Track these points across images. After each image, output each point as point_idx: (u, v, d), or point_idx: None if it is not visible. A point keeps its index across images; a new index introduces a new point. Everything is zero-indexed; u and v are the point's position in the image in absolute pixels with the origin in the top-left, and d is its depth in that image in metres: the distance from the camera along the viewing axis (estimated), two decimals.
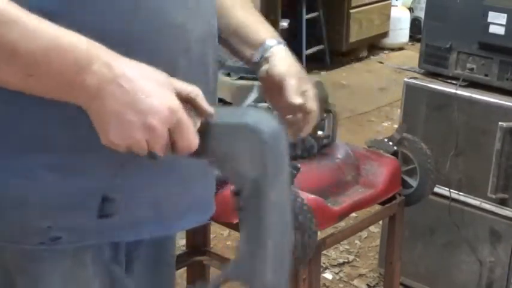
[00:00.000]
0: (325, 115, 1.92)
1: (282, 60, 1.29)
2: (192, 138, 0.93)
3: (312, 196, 1.69)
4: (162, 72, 0.94)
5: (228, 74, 1.95)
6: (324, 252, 2.69)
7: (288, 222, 0.97)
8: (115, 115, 0.90)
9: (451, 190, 2.47)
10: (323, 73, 5.56)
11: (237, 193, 0.94)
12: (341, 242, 3.00)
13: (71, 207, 1.03)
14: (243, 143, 0.93)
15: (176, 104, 0.92)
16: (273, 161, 0.93)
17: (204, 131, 0.94)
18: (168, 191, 1.13)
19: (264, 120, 0.94)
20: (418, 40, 5.41)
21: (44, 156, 1.01)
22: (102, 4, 0.99)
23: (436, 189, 2.24)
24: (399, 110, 2.67)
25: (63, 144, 1.01)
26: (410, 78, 2.58)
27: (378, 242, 3.03)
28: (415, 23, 6.21)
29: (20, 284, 1.07)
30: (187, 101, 0.95)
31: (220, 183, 1.31)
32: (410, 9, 6.31)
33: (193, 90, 0.96)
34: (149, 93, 0.90)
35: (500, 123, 2.30)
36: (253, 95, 1.27)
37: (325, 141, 1.91)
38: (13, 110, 1.00)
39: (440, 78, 2.53)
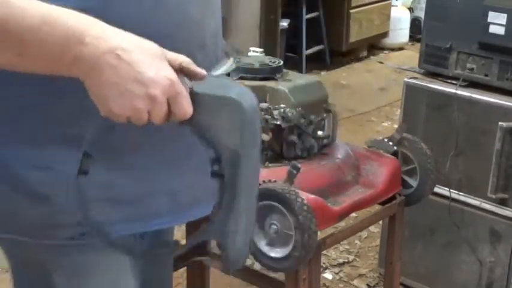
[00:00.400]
0: (325, 115, 1.92)
1: None
2: (187, 107, 0.95)
3: (312, 196, 1.69)
4: (155, 43, 0.95)
5: (228, 74, 1.95)
6: (324, 252, 2.69)
7: (257, 190, 1.05)
8: (116, 85, 0.90)
9: (451, 190, 2.47)
10: (323, 73, 5.56)
11: (215, 160, 1.00)
12: (341, 242, 3.00)
13: (95, 201, 1.05)
14: (226, 114, 0.98)
15: (173, 74, 0.94)
16: (251, 134, 1.00)
17: (191, 100, 0.98)
18: (183, 181, 1.15)
19: (246, 95, 1.00)
20: (418, 40, 5.41)
21: (65, 149, 1.02)
22: (123, 0, 1.00)
23: (436, 189, 2.24)
24: (399, 110, 2.67)
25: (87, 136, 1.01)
26: (410, 78, 2.58)
27: (378, 242, 3.03)
28: (415, 23, 6.21)
29: (57, 280, 1.09)
30: (179, 70, 0.96)
31: None
32: (410, 9, 6.31)
33: (185, 59, 0.97)
34: (148, 65, 0.91)
35: (500, 123, 2.30)
36: (226, 67, 1.31)
37: (325, 141, 1.91)
38: (36, 100, 1.01)
39: (440, 78, 2.53)
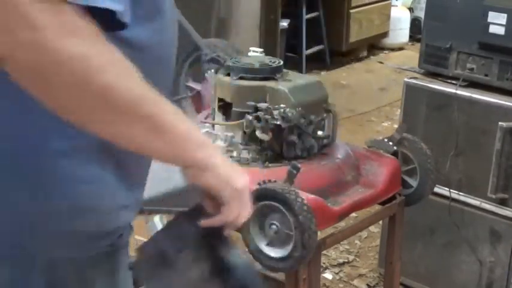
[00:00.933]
0: (325, 115, 1.92)
1: None
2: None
3: (312, 196, 1.69)
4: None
5: (228, 74, 1.95)
6: (324, 252, 2.68)
7: None
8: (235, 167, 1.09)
9: (451, 190, 2.47)
10: (323, 73, 5.56)
11: None
12: (341, 242, 3.00)
13: (126, 207, 1.11)
14: None
15: None
16: None
17: None
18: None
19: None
20: (418, 40, 5.41)
21: (110, 162, 1.05)
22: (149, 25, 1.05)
23: (436, 189, 2.24)
24: (399, 110, 2.67)
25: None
26: (410, 78, 2.58)
27: (378, 242, 3.03)
28: (415, 23, 6.21)
29: (96, 276, 1.12)
30: None
31: None
32: (410, 9, 6.31)
33: None
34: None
35: (500, 123, 2.30)
36: None
37: (325, 141, 1.91)
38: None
39: (440, 78, 2.53)
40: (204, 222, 1.08)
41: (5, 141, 0.99)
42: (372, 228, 3.18)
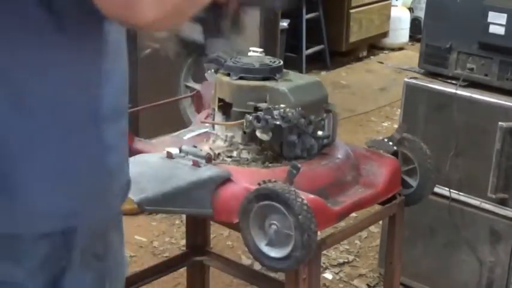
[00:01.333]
0: (325, 115, 1.92)
1: None
2: None
3: (312, 196, 1.69)
4: None
5: (228, 74, 1.95)
6: (324, 252, 2.69)
7: None
8: None
9: (451, 190, 2.47)
10: (323, 73, 5.56)
11: None
12: (341, 242, 3.00)
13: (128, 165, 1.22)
14: None
15: None
16: None
17: None
18: None
19: None
20: (418, 40, 5.41)
21: (121, 124, 1.15)
22: None
23: (436, 189, 2.24)
24: (399, 110, 2.67)
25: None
26: (410, 78, 2.58)
27: (378, 242, 3.03)
28: (415, 23, 6.21)
29: (113, 236, 1.21)
30: None
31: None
32: (410, 9, 6.32)
33: None
34: None
35: (500, 123, 2.30)
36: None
37: (325, 141, 1.91)
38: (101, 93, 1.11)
39: (440, 78, 2.53)
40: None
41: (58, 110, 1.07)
42: (372, 228, 3.18)
